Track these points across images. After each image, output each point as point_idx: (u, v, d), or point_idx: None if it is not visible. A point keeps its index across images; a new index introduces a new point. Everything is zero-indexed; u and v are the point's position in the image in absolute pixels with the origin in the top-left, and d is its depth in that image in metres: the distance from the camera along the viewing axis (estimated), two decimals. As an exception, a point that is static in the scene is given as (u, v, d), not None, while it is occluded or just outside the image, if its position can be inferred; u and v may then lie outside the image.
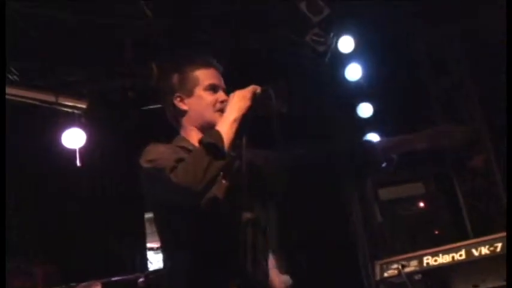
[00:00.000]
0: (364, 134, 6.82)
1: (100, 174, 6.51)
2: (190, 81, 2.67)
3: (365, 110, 6.89)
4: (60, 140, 5.53)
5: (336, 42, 6.11)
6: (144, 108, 6.18)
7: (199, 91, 2.64)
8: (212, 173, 2.26)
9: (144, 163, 2.49)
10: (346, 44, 6.17)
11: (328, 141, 6.54)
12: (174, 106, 2.68)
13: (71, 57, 5.49)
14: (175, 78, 2.71)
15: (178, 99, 2.67)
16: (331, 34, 5.99)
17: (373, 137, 6.77)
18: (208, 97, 2.63)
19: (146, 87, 5.84)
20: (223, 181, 2.43)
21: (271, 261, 4.15)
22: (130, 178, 6.85)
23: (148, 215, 7.62)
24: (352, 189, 7.10)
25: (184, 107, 2.66)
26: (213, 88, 2.65)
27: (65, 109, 5.51)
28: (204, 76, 2.67)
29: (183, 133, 2.69)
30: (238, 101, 2.43)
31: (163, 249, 2.67)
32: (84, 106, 5.56)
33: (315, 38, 5.79)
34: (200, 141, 2.35)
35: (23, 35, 4.96)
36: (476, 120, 6.27)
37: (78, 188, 6.53)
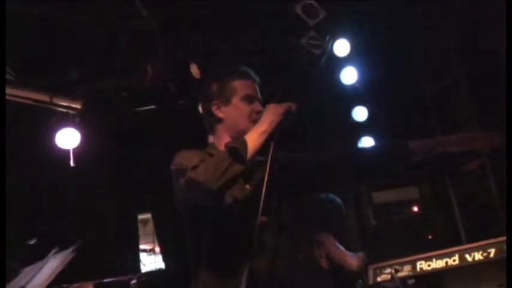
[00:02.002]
0: (359, 137, 6.82)
1: (94, 174, 6.49)
2: (228, 91, 2.78)
3: (360, 113, 6.89)
4: (54, 140, 5.50)
5: (332, 46, 6.12)
6: (139, 108, 6.18)
7: (236, 100, 2.76)
8: (229, 175, 2.36)
9: (172, 166, 2.61)
10: (341, 47, 6.18)
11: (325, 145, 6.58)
12: (211, 113, 2.80)
13: (66, 56, 5.47)
14: (214, 86, 2.82)
15: (216, 106, 2.79)
16: (327, 37, 6.00)
17: (368, 141, 6.77)
18: (244, 107, 2.75)
19: (141, 87, 5.83)
20: (247, 186, 2.60)
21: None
22: (124, 179, 6.87)
23: (142, 217, 7.62)
24: (346, 192, 7.09)
25: (220, 115, 2.78)
26: (249, 99, 2.76)
27: (59, 109, 5.48)
28: (242, 87, 2.78)
29: (215, 140, 2.81)
30: (271, 115, 2.54)
31: (176, 246, 2.79)
32: (78, 106, 5.54)
33: (310, 41, 5.80)
34: (225, 145, 2.48)
35: (17, 34, 4.94)
36: (472, 125, 6.26)
37: (71, 189, 6.51)
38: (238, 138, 2.53)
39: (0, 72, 4.27)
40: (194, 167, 2.40)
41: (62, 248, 5.00)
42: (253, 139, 2.47)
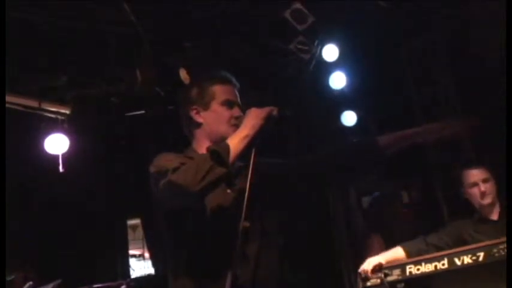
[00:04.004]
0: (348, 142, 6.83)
1: (83, 180, 6.47)
2: (207, 95, 2.77)
3: (349, 118, 6.90)
4: (43, 145, 5.48)
5: (320, 51, 6.13)
6: (128, 114, 6.16)
7: (215, 105, 2.75)
8: (211, 178, 2.35)
9: (151, 168, 2.59)
10: (330, 52, 6.19)
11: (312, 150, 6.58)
12: (190, 118, 2.78)
13: (55, 62, 5.46)
14: (194, 91, 2.81)
15: (195, 111, 2.77)
16: (316, 42, 6.01)
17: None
18: (224, 112, 2.74)
19: (130, 93, 5.83)
20: (228, 191, 2.57)
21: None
22: (113, 184, 6.86)
23: (131, 222, 7.61)
24: (335, 196, 7.10)
25: (199, 120, 2.76)
26: (228, 103, 2.75)
27: (48, 114, 5.47)
28: (221, 91, 2.77)
29: (194, 145, 2.79)
30: (253, 119, 2.53)
31: (165, 253, 2.75)
32: (67, 111, 5.53)
33: (299, 46, 5.82)
34: (207, 148, 2.47)
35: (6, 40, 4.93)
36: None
37: (60, 194, 6.49)
38: (220, 142, 2.52)
39: (0, 74, 4.24)
40: (175, 169, 2.40)
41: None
42: (236, 143, 2.46)
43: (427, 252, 3.83)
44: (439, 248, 3.91)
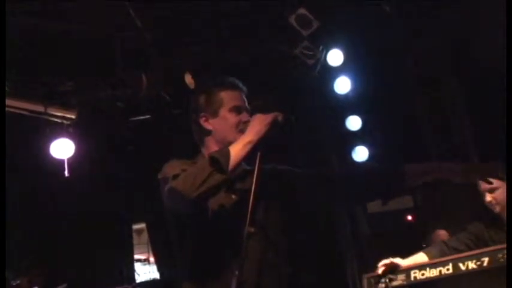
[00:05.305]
0: (353, 147, 6.84)
1: (88, 184, 6.49)
2: (215, 102, 2.77)
3: (354, 122, 6.91)
4: (49, 150, 5.50)
5: (325, 56, 6.14)
6: (133, 118, 6.18)
7: (223, 112, 2.75)
8: (209, 184, 2.37)
9: (159, 175, 2.63)
10: (335, 57, 6.20)
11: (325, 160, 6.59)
12: (200, 125, 2.79)
13: (60, 67, 5.48)
14: (202, 98, 2.81)
15: (204, 118, 2.77)
16: (321, 47, 6.02)
17: (361, 150, 6.79)
18: (232, 118, 2.73)
19: (135, 97, 5.85)
20: (233, 196, 2.60)
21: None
22: (118, 188, 6.87)
23: (136, 226, 7.62)
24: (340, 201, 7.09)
25: (209, 127, 2.77)
26: (237, 109, 2.75)
27: (54, 119, 5.49)
28: (229, 98, 2.77)
29: (204, 151, 2.80)
30: (258, 125, 2.54)
31: (170, 256, 2.77)
32: (73, 116, 5.54)
33: (304, 51, 5.82)
34: (208, 155, 2.51)
35: (12, 45, 4.95)
36: (464, 132, 6.29)
37: (66, 198, 6.51)
38: (222, 148, 2.55)
39: (0, 77, 4.26)
40: (175, 176, 2.43)
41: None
42: (238, 149, 2.48)
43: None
44: (460, 251, 3.88)
